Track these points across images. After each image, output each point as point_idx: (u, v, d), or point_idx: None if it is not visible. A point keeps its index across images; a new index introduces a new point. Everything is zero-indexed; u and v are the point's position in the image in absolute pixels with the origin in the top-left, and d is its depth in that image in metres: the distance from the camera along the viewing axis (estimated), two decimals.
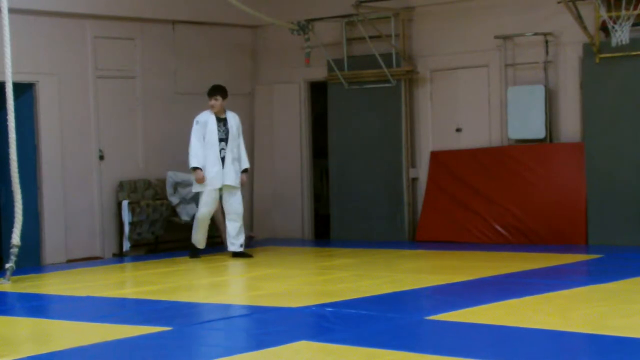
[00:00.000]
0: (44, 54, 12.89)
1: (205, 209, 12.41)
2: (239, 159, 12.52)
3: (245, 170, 12.63)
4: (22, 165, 11.40)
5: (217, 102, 12.50)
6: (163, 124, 14.13)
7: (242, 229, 12.53)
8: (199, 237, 12.60)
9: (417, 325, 7.65)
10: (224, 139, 12.41)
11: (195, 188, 12.40)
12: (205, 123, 12.44)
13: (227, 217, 12.48)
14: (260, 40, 15.28)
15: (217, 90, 12.56)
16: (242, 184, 12.60)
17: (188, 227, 13.06)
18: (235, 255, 12.48)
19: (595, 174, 12.32)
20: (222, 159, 12.34)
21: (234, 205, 12.43)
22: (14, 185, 11.01)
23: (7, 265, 10.97)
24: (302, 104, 14.80)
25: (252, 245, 14.00)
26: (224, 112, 12.59)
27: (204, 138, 12.36)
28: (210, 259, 12.55)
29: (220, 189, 12.36)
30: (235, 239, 12.49)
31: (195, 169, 12.30)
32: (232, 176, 12.36)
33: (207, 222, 12.53)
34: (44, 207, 12.87)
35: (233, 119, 12.61)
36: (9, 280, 10.81)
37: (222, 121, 12.49)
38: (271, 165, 15.01)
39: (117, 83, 13.65)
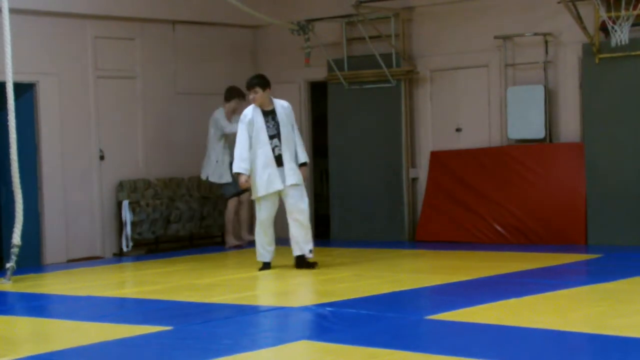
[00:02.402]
0: (44, 54, 12.89)
1: (264, 214, 11.00)
2: (295, 153, 11.07)
3: (303, 164, 11.15)
4: (22, 165, 11.41)
5: (257, 94, 10.98)
6: (163, 124, 14.14)
7: (311, 232, 11.09)
8: (261, 250, 11.11)
9: (417, 325, 7.65)
10: (275, 135, 10.92)
11: (253, 194, 11.07)
12: (251, 121, 10.95)
13: (291, 217, 10.99)
14: (260, 40, 15.28)
15: (254, 82, 11.07)
16: (303, 180, 11.14)
17: (190, 222, 13.07)
18: (301, 264, 11.02)
19: (595, 174, 12.32)
20: (278, 158, 10.91)
21: (299, 204, 10.93)
22: (14, 185, 11.02)
23: (8, 265, 10.98)
24: (302, 104, 14.80)
25: (252, 245, 14.01)
26: (271, 103, 11.05)
27: (250, 138, 10.93)
28: (210, 259, 12.55)
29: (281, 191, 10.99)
30: (305, 243, 10.99)
31: (238, 174, 11.07)
32: (293, 174, 10.93)
33: (270, 229, 11.06)
34: (44, 207, 12.87)
35: (282, 109, 11.05)
36: (9, 280, 10.82)
37: (269, 115, 10.97)
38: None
39: (117, 83, 13.66)
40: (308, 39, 13.92)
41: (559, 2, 12.26)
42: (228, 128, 13.50)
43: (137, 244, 13.51)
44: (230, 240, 13.70)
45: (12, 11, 11.22)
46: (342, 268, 10.96)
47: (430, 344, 7.09)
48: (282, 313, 8.33)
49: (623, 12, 11.60)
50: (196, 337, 7.42)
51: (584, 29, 12.11)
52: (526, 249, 12.14)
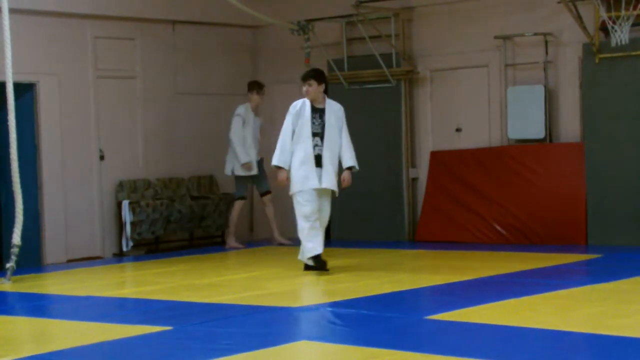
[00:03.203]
0: (44, 54, 12.89)
1: (308, 208, 10.49)
2: (338, 158, 10.65)
3: (349, 168, 10.72)
4: (22, 165, 11.41)
5: (311, 87, 10.56)
6: (163, 124, 14.14)
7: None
8: (309, 245, 10.55)
9: (417, 325, 7.65)
10: (318, 134, 10.56)
11: (292, 189, 10.60)
12: (298, 113, 10.58)
13: None
14: (260, 40, 15.29)
15: (310, 74, 10.69)
16: (345, 184, 10.75)
17: (190, 222, 13.05)
18: (308, 267, 10.77)
19: (595, 174, 12.32)
20: (317, 158, 10.54)
21: (322, 213, 10.67)
22: (14, 185, 11.01)
23: (8, 265, 10.98)
24: None
25: (252, 245, 14.02)
26: (323, 101, 10.68)
27: (293, 131, 10.57)
28: (210, 259, 12.55)
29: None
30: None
31: (277, 168, 10.66)
32: (329, 179, 10.56)
33: (316, 223, 10.53)
34: (44, 207, 12.87)
35: (333, 111, 10.67)
36: (9, 280, 10.82)
37: (318, 112, 10.61)
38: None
39: (117, 83, 13.66)
40: (308, 39, 13.92)
41: (559, 2, 12.26)
42: (232, 133, 13.45)
43: (137, 244, 13.51)
44: (231, 241, 13.70)
45: (12, 11, 11.22)
46: (342, 268, 10.96)
47: (430, 344, 7.09)
48: (282, 313, 8.33)
49: (623, 12, 11.60)
50: (196, 337, 7.42)
51: (584, 28, 12.11)
52: (526, 249, 12.14)
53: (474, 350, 6.64)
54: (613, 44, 11.81)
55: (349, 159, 10.68)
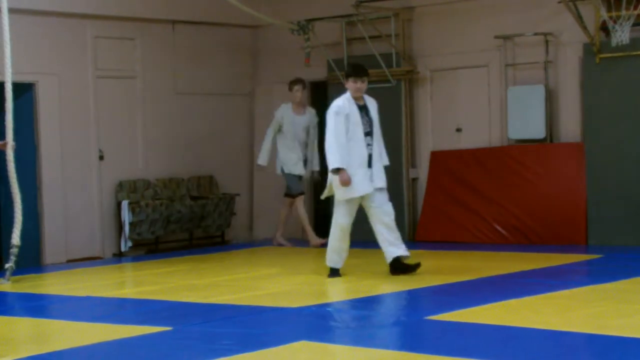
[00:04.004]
0: (44, 54, 12.89)
1: (347, 219, 10.16)
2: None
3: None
4: (22, 166, 11.41)
5: (364, 84, 10.12)
6: (163, 124, 14.14)
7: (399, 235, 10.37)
8: (335, 256, 10.32)
9: (417, 325, 7.65)
10: (369, 133, 10.12)
11: (339, 195, 10.09)
12: (348, 115, 10.04)
13: (378, 221, 10.27)
14: (260, 40, 15.28)
15: (366, 71, 10.16)
16: None
17: (190, 222, 13.02)
18: (398, 267, 10.20)
19: (595, 174, 12.32)
20: (369, 157, 10.12)
21: (385, 207, 10.23)
22: (12, 185, 11.01)
23: (7, 265, 10.98)
24: None
25: (252, 245, 14.02)
26: (362, 97, 10.23)
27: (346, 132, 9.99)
28: (210, 259, 12.55)
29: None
30: (400, 244, 10.27)
31: (338, 170, 9.97)
32: (381, 176, 10.17)
33: (349, 236, 10.28)
34: (44, 207, 12.87)
35: (373, 107, 10.24)
36: (8, 280, 10.81)
37: (363, 110, 10.14)
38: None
39: (117, 83, 13.66)
40: (308, 39, 13.92)
41: (559, 2, 12.26)
42: (268, 131, 13.52)
43: (137, 244, 13.51)
44: (279, 238, 13.60)
45: (12, 11, 11.22)
46: (342, 268, 10.96)
47: (430, 344, 7.09)
48: (282, 313, 8.33)
49: (624, 12, 11.59)
50: (196, 337, 7.42)
51: (585, 28, 12.11)
52: (526, 249, 12.13)
53: (474, 350, 6.64)
54: (613, 44, 11.80)
55: (386, 159, 10.41)
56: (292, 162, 13.42)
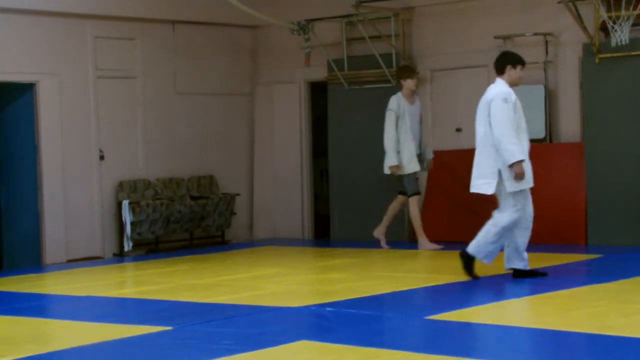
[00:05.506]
0: (44, 54, 12.89)
1: (519, 214, 9.51)
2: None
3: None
4: (22, 165, 11.42)
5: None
6: (163, 124, 14.14)
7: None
8: (493, 248, 9.64)
9: (417, 325, 7.65)
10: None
11: (512, 187, 9.42)
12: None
13: (521, 224, 9.66)
14: (260, 40, 15.28)
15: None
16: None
17: (190, 222, 13.01)
18: (519, 273, 9.67)
19: (595, 174, 12.32)
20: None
21: (527, 208, 9.58)
22: None
23: None
24: (302, 104, 14.80)
25: (252, 245, 14.01)
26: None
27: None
28: (210, 259, 12.55)
29: None
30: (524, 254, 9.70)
31: (519, 163, 9.33)
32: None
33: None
34: (44, 207, 12.87)
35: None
36: None
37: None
38: (271, 165, 15.01)
39: (117, 83, 13.66)
40: (308, 39, 13.92)
41: (559, 2, 12.26)
42: (384, 133, 12.34)
43: (137, 244, 13.51)
44: (425, 243, 12.57)
45: (12, 11, 11.24)
46: (342, 268, 10.96)
47: (430, 344, 7.09)
48: (282, 313, 8.33)
49: (623, 12, 11.59)
50: (196, 337, 7.42)
51: (584, 29, 12.11)
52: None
53: (474, 350, 6.64)
54: (613, 44, 11.81)
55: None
56: (407, 158, 12.45)
